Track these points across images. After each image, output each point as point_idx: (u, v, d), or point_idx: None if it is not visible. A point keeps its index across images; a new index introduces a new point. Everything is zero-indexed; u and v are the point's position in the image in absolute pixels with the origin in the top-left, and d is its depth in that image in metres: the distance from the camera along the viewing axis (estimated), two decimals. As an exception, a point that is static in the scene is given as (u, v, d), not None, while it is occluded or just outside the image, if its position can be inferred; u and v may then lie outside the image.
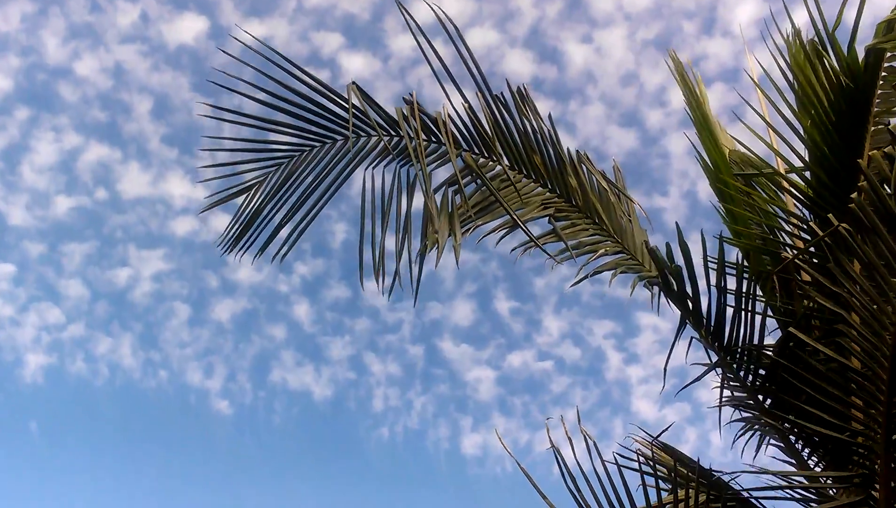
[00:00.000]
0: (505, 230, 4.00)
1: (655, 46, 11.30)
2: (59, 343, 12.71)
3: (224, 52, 3.65)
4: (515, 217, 3.50)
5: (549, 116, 3.89)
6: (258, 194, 3.98)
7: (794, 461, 3.80)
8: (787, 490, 3.71)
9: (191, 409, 13.00)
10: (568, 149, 4.08)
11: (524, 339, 12.70)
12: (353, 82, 3.60)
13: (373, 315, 12.96)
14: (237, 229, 3.98)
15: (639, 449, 4.04)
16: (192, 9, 12.11)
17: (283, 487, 12.70)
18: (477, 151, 3.94)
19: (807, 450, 3.78)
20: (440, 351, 12.81)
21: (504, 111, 3.87)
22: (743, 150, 3.99)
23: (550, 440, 3.77)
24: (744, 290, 3.81)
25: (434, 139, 3.82)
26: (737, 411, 3.98)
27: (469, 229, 3.80)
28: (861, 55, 3.44)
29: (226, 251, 3.99)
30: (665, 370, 3.78)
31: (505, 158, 3.93)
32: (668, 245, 3.71)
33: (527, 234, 3.82)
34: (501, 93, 3.88)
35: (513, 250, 4.04)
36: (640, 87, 11.84)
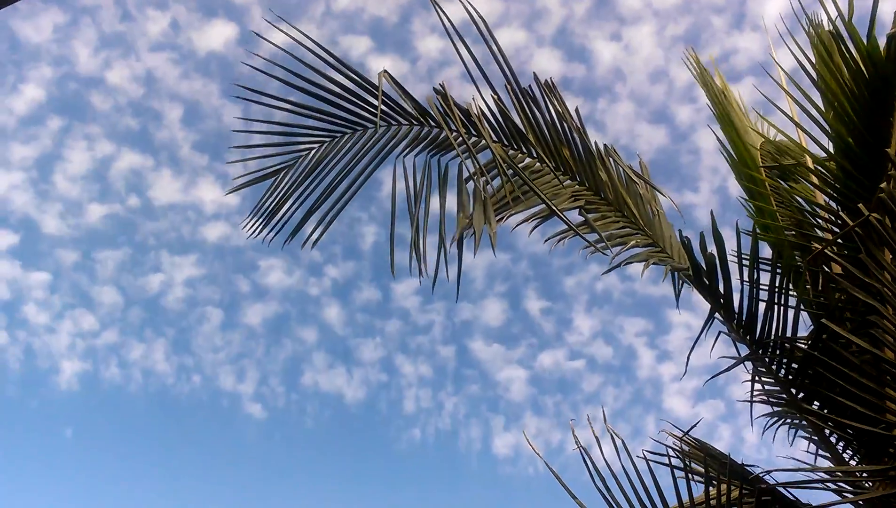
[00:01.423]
0: (536, 221, 4.01)
1: (685, 42, 11.31)
2: (94, 350, 12.88)
3: (258, 44, 3.67)
4: (551, 205, 3.49)
5: (577, 109, 3.90)
6: (286, 179, 3.99)
7: (828, 454, 3.78)
8: (822, 483, 3.68)
9: (223, 413, 13.13)
10: (595, 143, 4.09)
11: (555, 338, 12.71)
12: (385, 70, 3.61)
13: (403, 317, 13.02)
14: (265, 215, 4.00)
15: (670, 445, 4.03)
16: (222, 15, 12.26)
17: (316, 489, 12.79)
18: (507, 143, 3.96)
19: (841, 443, 3.75)
20: (471, 352, 12.85)
21: (532, 104, 3.89)
22: (777, 138, 3.97)
23: (576, 440, 3.77)
24: (775, 283, 3.79)
25: (465, 131, 3.85)
26: (769, 405, 3.95)
27: (501, 218, 3.81)
28: (882, 43, 3.42)
29: (252, 235, 4.00)
30: (688, 359, 3.79)
31: (536, 150, 3.95)
32: (702, 236, 3.70)
33: (565, 222, 3.79)
34: (530, 86, 3.89)
35: (546, 239, 4.04)
36: (669, 83, 11.83)
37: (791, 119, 3.79)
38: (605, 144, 4.09)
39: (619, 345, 12.06)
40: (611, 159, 4.07)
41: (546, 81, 3.90)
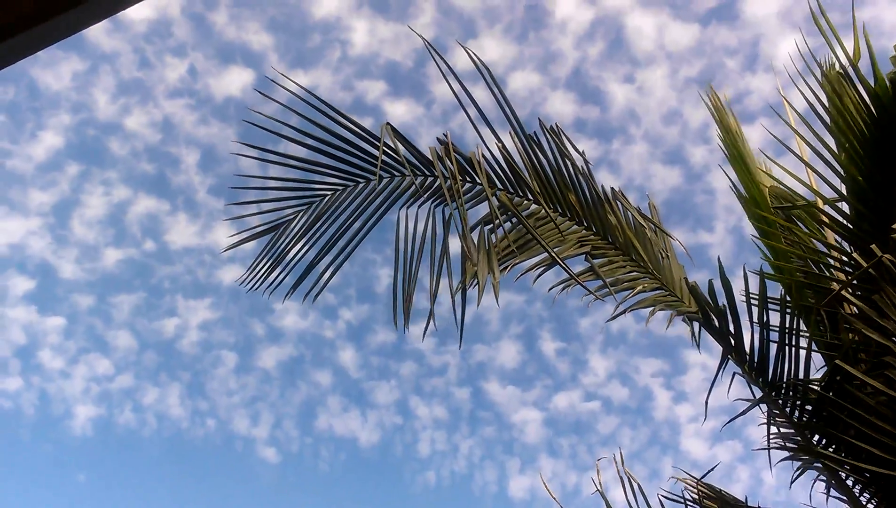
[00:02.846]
0: (542, 269, 4.00)
1: (698, 84, 11.38)
2: (108, 394, 12.85)
3: (267, 94, 3.72)
4: (553, 254, 3.50)
5: (583, 153, 3.91)
6: (287, 232, 4.01)
7: (845, 497, 3.70)
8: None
9: (238, 457, 13.01)
10: (603, 186, 4.10)
11: (570, 379, 12.64)
12: (388, 123, 3.66)
13: (418, 359, 13.00)
14: (266, 269, 4.02)
15: (684, 491, 3.98)
16: (239, 62, 12.48)
17: None
18: (512, 190, 3.96)
19: (858, 486, 3.68)
20: (486, 393, 12.80)
21: (538, 150, 3.90)
22: (785, 183, 3.96)
23: (596, 484, 3.73)
24: (787, 325, 3.76)
25: (469, 179, 3.86)
26: (785, 449, 3.89)
27: (507, 267, 3.81)
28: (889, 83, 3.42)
29: (251, 289, 4.02)
30: (706, 403, 3.74)
31: (540, 197, 3.95)
32: (710, 282, 3.69)
33: (566, 270, 3.81)
34: (535, 132, 3.91)
35: (550, 288, 4.03)
36: (683, 124, 11.89)
37: (801, 159, 3.78)
38: (612, 188, 4.09)
39: (635, 386, 11.98)
40: (618, 203, 4.07)
41: (552, 126, 3.92)
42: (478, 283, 3.55)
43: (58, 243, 12.70)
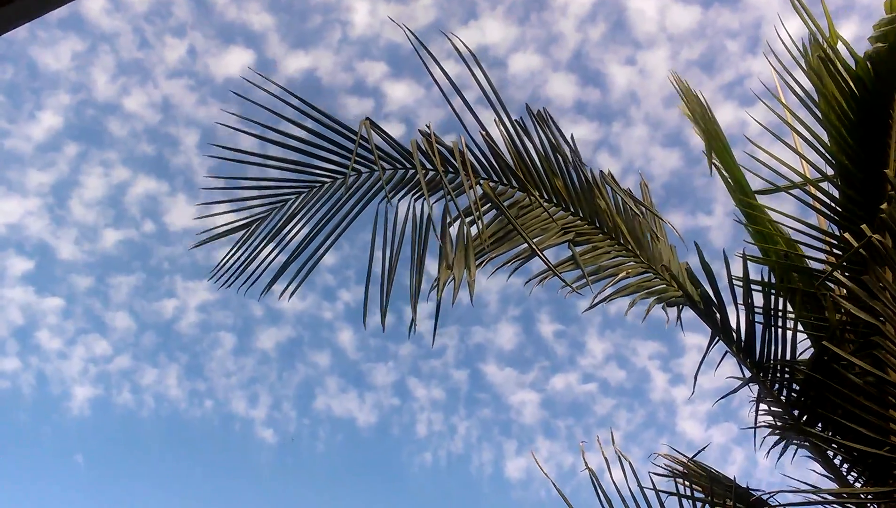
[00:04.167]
0: (522, 260, 3.98)
1: (699, 67, 11.44)
2: (106, 375, 12.84)
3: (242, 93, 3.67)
4: (532, 244, 3.49)
5: (572, 136, 3.90)
6: (260, 230, 3.97)
7: (832, 476, 3.77)
8: (826, 506, 3.66)
9: (236, 438, 13.10)
10: (591, 170, 4.08)
11: (568, 361, 12.75)
12: (367, 118, 3.62)
13: (416, 340, 13.02)
14: (241, 265, 3.95)
15: (674, 469, 4.01)
16: (239, 43, 12.35)
17: None
18: (497, 178, 3.93)
19: (846, 465, 3.74)
20: (484, 375, 12.89)
21: (525, 136, 3.88)
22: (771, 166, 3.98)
23: (586, 462, 3.75)
24: (773, 306, 3.80)
25: (452, 169, 3.82)
26: (775, 428, 3.94)
27: (482, 262, 3.78)
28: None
29: (224, 285, 3.96)
30: (695, 379, 3.78)
31: (528, 184, 3.93)
32: (706, 264, 3.71)
33: (544, 261, 3.79)
34: (521, 118, 3.88)
35: (527, 282, 3.99)
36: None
37: (788, 145, 3.80)
38: (601, 171, 4.09)
39: (633, 368, 12.11)
40: (608, 187, 4.06)
41: (538, 111, 3.90)
42: (453, 279, 3.52)
43: (56, 224, 12.61)
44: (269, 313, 13.03)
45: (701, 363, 3.83)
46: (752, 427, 3.81)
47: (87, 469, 12.62)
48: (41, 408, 12.79)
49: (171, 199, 12.74)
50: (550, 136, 3.91)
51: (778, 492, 3.61)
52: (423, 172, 3.63)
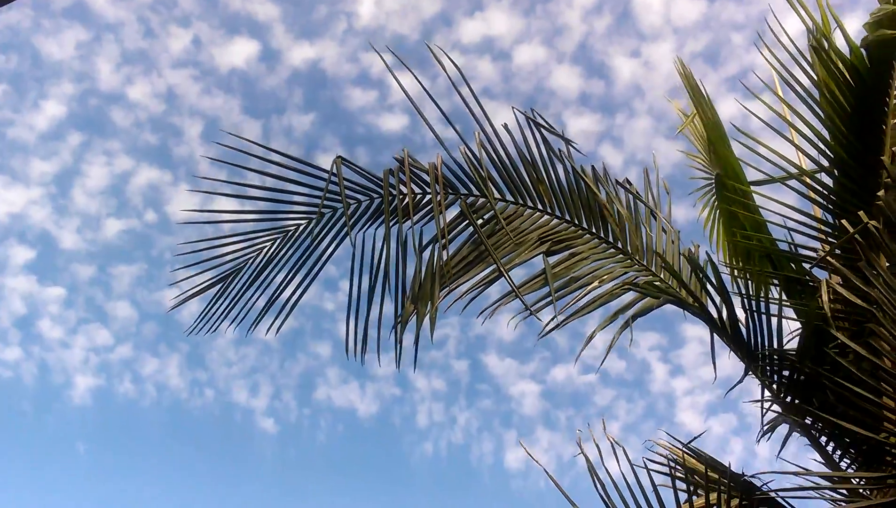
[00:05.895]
0: (485, 285, 3.91)
1: (704, 59, 11.48)
2: (108, 365, 12.91)
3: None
4: (500, 266, 3.57)
5: (562, 133, 3.94)
6: (238, 278, 4.09)
7: (825, 462, 3.80)
8: (819, 491, 3.70)
9: (236, 428, 13.18)
10: (582, 166, 4.09)
11: (568, 352, 12.77)
12: (339, 157, 3.71)
13: (411, 329, 13.08)
14: (222, 313, 4.14)
15: (668, 454, 4.05)
16: (244, 33, 12.27)
17: (328, 503, 12.91)
18: (478, 191, 3.95)
19: (838, 452, 3.78)
20: (485, 366, 12.92)
21: (505, 146, 3.95)
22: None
23: (582, 451, 3.76)
24: (762, 294, 3.84)
25: (424, 192, 3.88)
26: (770, 414, 3.98)
27: (449, 289, 3.80)
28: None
29: (209, 332, 4.18)
30: (714, 365, 3.79)
31: (507, 195, 4.00)
32: (706, 254, 3.76)
33: (510, 284, 3.80)
34: (505, 124, 3.94)
35: (481, 312, 3.88)
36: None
37: (783, 136, 3.83)
38: (592, 166, 4.12)
39: (633, 359, 12.16)
40: (600, 185, 4.10)
41: (526, 113, 3.94)
42: (416, 313, 3.59)
43: (59, 213, 12.67)
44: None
45: (714, 358, 3.88)
46: (749, 414, 3.85)
47: (88, 459, 12.72)
48: (43, 397, 12.92)
49: (173, 189, 12.73)
50: (540, 137, 3.97)
51: (768, 473, 3.63)
52: (400, 196, 3.71)
